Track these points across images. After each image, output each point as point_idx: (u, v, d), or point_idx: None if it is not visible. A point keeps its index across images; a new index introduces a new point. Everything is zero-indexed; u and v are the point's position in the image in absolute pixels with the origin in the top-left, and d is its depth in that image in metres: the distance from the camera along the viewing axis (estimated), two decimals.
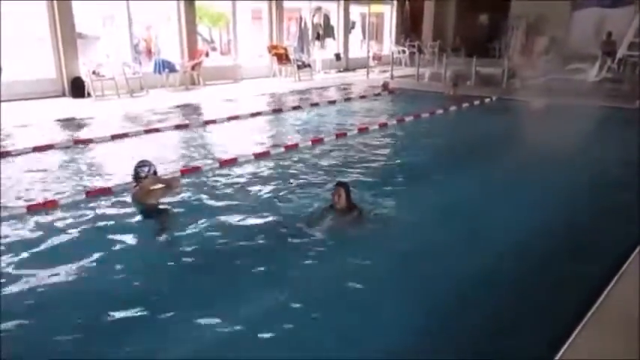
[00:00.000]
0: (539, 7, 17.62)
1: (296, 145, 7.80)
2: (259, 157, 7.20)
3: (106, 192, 5.64)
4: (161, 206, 5.05)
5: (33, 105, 10.99)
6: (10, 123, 9.09)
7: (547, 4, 17.29)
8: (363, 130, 8.94)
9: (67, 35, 12.00)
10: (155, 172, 5.03)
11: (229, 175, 6.43)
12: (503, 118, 10.70)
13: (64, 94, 12.17)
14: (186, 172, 6.43)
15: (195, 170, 6.54)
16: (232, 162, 6.89)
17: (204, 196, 5.64)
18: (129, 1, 13.21)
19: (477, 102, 11.81)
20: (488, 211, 5.19)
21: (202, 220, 4.88)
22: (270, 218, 4.99)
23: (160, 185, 4.99)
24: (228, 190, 5.88)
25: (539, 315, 3.48)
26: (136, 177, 4.94)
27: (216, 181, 6.22)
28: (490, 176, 6.37)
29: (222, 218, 5.00)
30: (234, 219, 4.99)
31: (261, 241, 4.53)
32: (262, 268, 4.03)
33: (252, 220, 4.97)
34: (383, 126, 9.36)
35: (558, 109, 10.50)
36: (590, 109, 10.39)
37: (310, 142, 8.01)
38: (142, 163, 4.99)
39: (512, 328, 3.36)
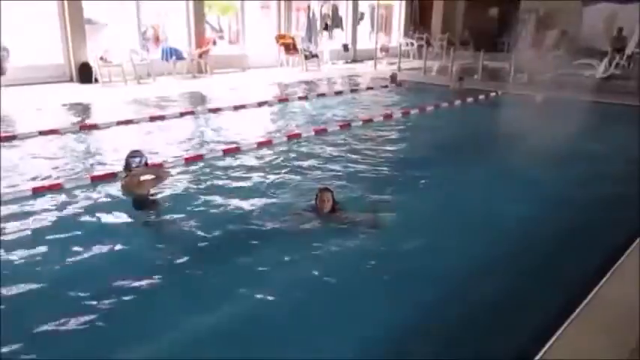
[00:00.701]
0: (550, 1, 17.49)
1: (299, 135, 7.85)
2: (262, 145, 7.25)
3: (110, 177, 5.73)
4: (151, 197, 5.03)
5: (40, 90, 11.08)
6: (17, 107, 9.19)
7: None
8: (367, 122, 8.97)
9: (76, 21, 12.07)
10: (146, 164, 5.01)
11: (231, 164, 6.48)
12: (506, 112, 10.65)
13: (71, 80, 12.27)
14: (189, 159, 6.49)
15: (198, 158, 6.59)
16: (235, 150, 6.94)
17: (201, 185, 5.69)
18: None
19: (482, 96, 11.78)
20: (484, 208, 5.15)
21: (193, 210, 4.95)
22: (268, 207, 5.02)
23: (150, 176, 4.96)
24: (228, 179, 5.93)
25: (527, 311, 3.48)
26: (127, 167, 4.92)
27: (218, 169, 6.27)
28: (489, 171, 6.31)
29: (216, 208, 5.04)
30: (228, 208, 5.04)
31: (245, 235, 4.46)
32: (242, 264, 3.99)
33: (245, 210, 5.00)
34: (388, 118, 9.36)
35: (564, 104, 10.43)
36: (597, 105, 10.34)
37: (313, 132, 8.04)
38: (134, 154, 4.96)
39: (499, 323, 3.35)
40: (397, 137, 8.36)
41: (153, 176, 4.99)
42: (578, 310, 3.26)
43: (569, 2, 17.36)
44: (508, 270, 4.03)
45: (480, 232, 4.62)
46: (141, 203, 4.86)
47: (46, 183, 5.48)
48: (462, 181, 5.98)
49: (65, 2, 11.87)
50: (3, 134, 7.38)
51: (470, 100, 11.33)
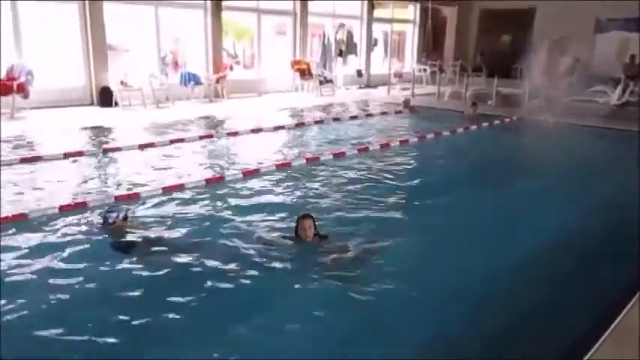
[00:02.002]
0: (563, 28, 17.64)
1: (316, 159, 7.95)
2: (280, 168, 7.37)
3: (133, 197, 5.86)
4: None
5: (63, 112, 11.35)
6: (41, 129, 9.42)
7: (571, 26, 17.32)
8: (384, 146, 9.06)
9: (98, 47, 12.39)
10: (126, 217, 4.90)
11: (249, 186, 6.58)
12: (522, 138, 10.73)
13: (92, 103, 12.53)
14: (210, 181, 6.61)
15: (219, 180, 6.71)
16: (254, 173, 7.05)
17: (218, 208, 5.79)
18: (157, 10, 13.62)
19: (497, 122, 11.86)
20: (498, 237, 5.04)
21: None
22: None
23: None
24: (248, 199, 6.02)
25: (558, 327, 3.51)
26: (105, 222, 4.82)
27: (237, 190, 6.38)
28: (505, 197, 6.32)
29: (233, 230, 5.06)
30: (241, 230, 5.04)
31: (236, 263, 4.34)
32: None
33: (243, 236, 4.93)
34: (404, 143, 9.46)
35: (578, 130, 10.51)
36: (612, 132, 10.37)
37: (332, 156, 8.15)
38: (111, 209, 4.93)
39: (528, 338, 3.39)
40: (413, 162, 8.45)
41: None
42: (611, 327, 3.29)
43: (581, 30, 17.52)
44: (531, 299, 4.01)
45: (497, 257, 4.62)
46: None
47: (72, 202, 5.61)
48: (480, 206, 5.99)
49: (89, 29, 12.21)
50: (28, 155, 7.58)
51: (485, 125, 11.42)
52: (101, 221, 4.91)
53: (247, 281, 4.08)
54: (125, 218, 4.90)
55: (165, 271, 4.18)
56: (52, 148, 8.08)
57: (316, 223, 4.62)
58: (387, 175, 7.25)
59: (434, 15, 21.17)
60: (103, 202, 5.60)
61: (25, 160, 7.34)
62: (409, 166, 8.16)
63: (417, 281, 4.10)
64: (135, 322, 3.47)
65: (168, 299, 3.76)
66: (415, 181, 7.20)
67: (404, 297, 3.89)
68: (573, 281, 4.26)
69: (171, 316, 3.57)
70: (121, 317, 3.51)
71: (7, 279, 3.98)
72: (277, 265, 4.32)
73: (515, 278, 4.28)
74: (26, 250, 4.47)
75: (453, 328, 3.56)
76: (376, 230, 5.10)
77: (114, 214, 4.81)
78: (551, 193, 6.52)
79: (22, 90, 10.70)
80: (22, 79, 10.72)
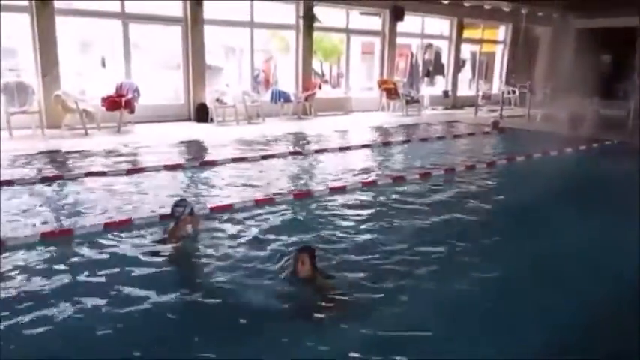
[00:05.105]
0: None
1: (403, 178, 7.95)
2: (366, 186, 7.45)
3: (227, 208, 6.16)
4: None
5: (163, 127, 12.18)
6: (143, 143, 10.18)
7: None
8: (470, 168, 8.89)
9: (198, 66, 13.22)
10: (191, 212, 5.11)
11: (337, 201, 6.71)
12: (623, 162, 10.06)
13: (189, 119, 13.33)
14: (299, 196, 6.81)
15: (307, 195, 6.90)
16: (341, 189, 7.17)
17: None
18: (252, 32, 14.31)
19: (595, 145, 11.23)
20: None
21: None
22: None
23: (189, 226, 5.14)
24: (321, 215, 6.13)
25: None
26: (172, 215, 5.03)
27: (322, 204, 6.52)
28: (605, 227, 5.89)
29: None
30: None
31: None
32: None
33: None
34: (491, 165, 9.22)
35: None
36: None
37: (418, 176, 8.11)
38: (179, 203, 5.12)
39: None
40: (504, 185, 8.24)
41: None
42: None
43: None
44: None
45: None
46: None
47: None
48: (573, 232, 5.69)
49: (190, 50, 13.06)
50: (133, 167, 8.20)
51: (582, 148, 10.85)
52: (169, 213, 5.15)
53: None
54: (191, 213, 5.12)
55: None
56: (154, 159, 8.68)
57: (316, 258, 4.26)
58: (470, 199, 7.12)
59: (526, 35, 20.52)
60: (199, 213, 5.92)
61: (131, 172, 7.92)
62: (498, 189, 7.95)
63: None
64: None
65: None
66: (504, 205, 7.02)
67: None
68: None
69: None
70: None
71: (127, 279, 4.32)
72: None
73: None
74: (133, 251, 4.84)
75: None
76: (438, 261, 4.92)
77: (180, 209, 5.03)
78: None
79: (129, 106, 11.62)
80: (130, 96, 11.65)
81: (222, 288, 4.19)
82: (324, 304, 3.88)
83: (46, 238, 5.03)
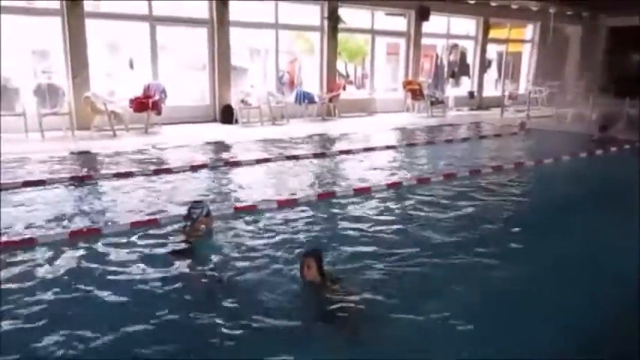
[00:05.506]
0: None
1: (428, 180, 7.88)
2: (391, 187, 7.40)
3: (251, 208, 6.21)
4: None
5: (189, 128, 12.33)
6: (170, 143, 10.33)
7: None
8: (496, 169, 8.76)
9: (224, 70, 13.35)
10: (208, 214, 5.14)
11: (360, 202, 6.68)
12: None
13: (214, 120, 13.47)
14: (322, 197, 6.82)
15: (330, 195, 6.90)
16: (366, 191, 7.15)
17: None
18: (277, 33, 14.39)
19: (627, 146, 10.95)
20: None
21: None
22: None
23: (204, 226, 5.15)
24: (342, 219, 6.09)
25: None
26: (189, 217, 5.06)
27: (345, 207, 6.51)
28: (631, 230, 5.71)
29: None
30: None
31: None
32: None
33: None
34: (518, 166, 9.07)
35: None
36: None
37: (442, 177, 8.04)
38: (196, 205, 5.17)
39: None
40: (531, 188, 8.13)
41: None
42: None
43: None
44: None
45: None
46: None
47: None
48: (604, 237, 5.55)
49: (216, 52, 13.20)
50: (159, 167, 8.31)
51: (613, 150, 10.60)
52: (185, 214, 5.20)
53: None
54: (207, 215, 5.16)
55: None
56: (180, 160, 8.81)
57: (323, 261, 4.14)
58: (498, 200, 7.03)
59: (555, 34, 20.16)
60: (221, 214, 5.96)
61: (157, 172, 8.05)
62: (525, 192, 7.84)
63: None
64: None
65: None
66: (530, 206, 6.91)
67: None
68: None
69: None
70: None
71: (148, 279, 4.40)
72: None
73: None
74: (156, 251, 4.92)
75: None
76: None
77: (197, 210, 5.08)
78: None
79: (156, 107, 11.80)
80: (157, 98, 11.84)
81: (236, 287, 4.24)
82: (336, 314, 3.71)
83: (75, 237, 5.15)
